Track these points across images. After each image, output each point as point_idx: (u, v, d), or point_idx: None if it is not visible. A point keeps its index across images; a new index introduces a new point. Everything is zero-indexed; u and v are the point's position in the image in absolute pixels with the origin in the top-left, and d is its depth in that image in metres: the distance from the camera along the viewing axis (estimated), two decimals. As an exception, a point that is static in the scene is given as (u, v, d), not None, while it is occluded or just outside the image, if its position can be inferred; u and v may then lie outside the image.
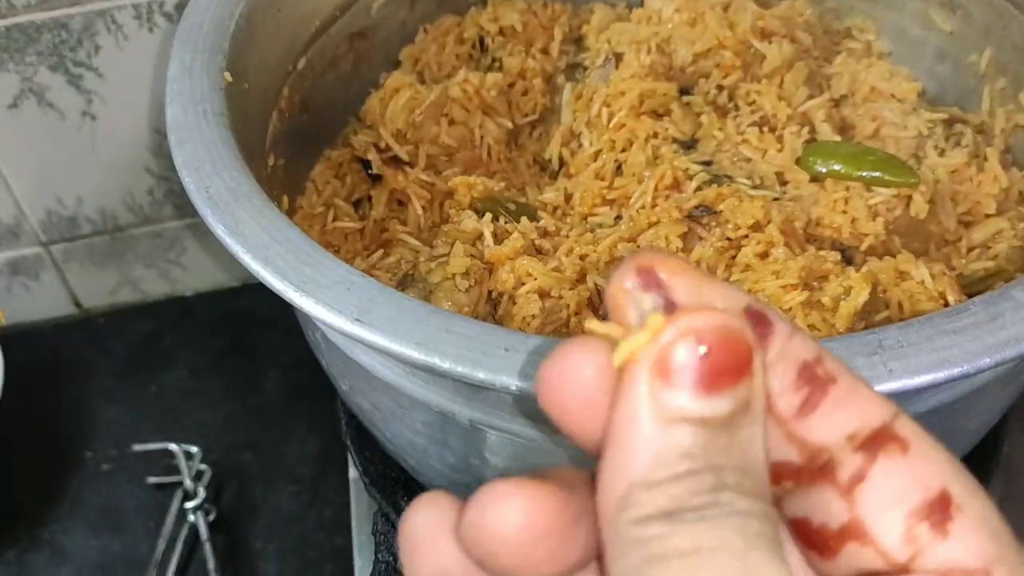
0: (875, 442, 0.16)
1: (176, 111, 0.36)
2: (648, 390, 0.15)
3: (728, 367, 0.15)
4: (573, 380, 0.16)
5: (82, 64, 0.62)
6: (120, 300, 0.75)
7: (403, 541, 0.18)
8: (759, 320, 0.16)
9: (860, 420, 0.17)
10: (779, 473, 0.17)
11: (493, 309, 0.40)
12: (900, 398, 0.31)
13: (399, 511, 0.45)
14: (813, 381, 0.16)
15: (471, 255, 0.40)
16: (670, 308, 0.16)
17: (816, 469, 0.17)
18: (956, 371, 0.26)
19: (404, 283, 0.40)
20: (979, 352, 0.26)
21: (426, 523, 0.18)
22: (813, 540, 0.17)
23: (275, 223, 0.32)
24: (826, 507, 0.17)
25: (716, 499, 0.15)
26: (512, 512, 0.16)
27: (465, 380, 0.28)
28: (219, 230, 0.32)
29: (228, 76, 0.38)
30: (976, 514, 0.16)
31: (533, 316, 0.39)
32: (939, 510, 0.16)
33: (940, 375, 0.26)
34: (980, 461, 0.44)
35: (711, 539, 0.14)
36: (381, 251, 0.42)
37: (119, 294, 0.74)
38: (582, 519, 0.16)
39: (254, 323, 0.73)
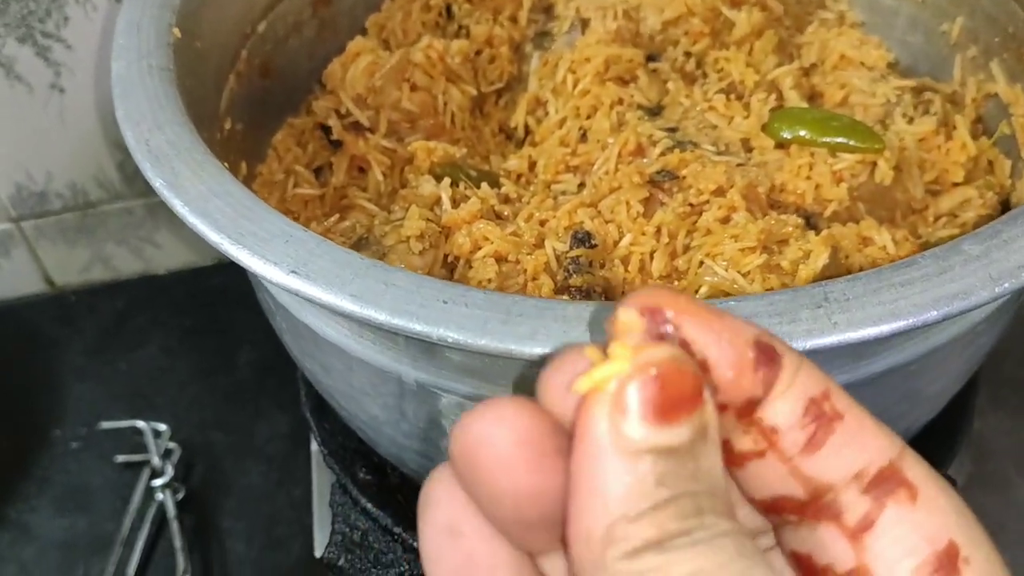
0: (882, 486, 0.16)
1: (121, 66, 0.36)
2: (610, 425, 0.15)
3: (682, 397, 0.15)
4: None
5: (51, 35, 0.61)
6: (92, 278, 0.74)
7: (421, 497, 0.18)
8: (767, 353, 0.16)
9: (867, 459, 0.16)
10: (782, 506, 0.17)
11: (449, 274, 0.39)
12: (851, 354, 0.30)
13: (356, 483, 0.45)
14: (820, 418, 0.16)
15: (428, 220, 0.39)
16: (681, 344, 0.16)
17: (822, 506, 0.17)
18: (902, 324, 0.25)
19: (358, 246, 0.39)
20: (926, 305, 0.25)
21: (443, 478, 0.18)
22: None
23: (215, 176, 0.32)
24: (832, 549, 0.17)
25: (702, 522, 0.15)
26: (501, 419, 0.16)
27: (402, 333, 0.28)
28: (158, 183, 0.32)
29: (177, 32, 0.37)
30: (982, 566, 0.16)
31: (489, 280, 0.38)
32: (947, 564, 0.16)
33: (885, 328, 0.25)
34: (946, 434, 0.43)
35: (709, 562, 0.14)
36: (337, 215, 0.42)
37: (91, 272, 0.74)
38: (566, 458, 0.16)
39: (226, 302, 0.72)
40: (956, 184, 0.42)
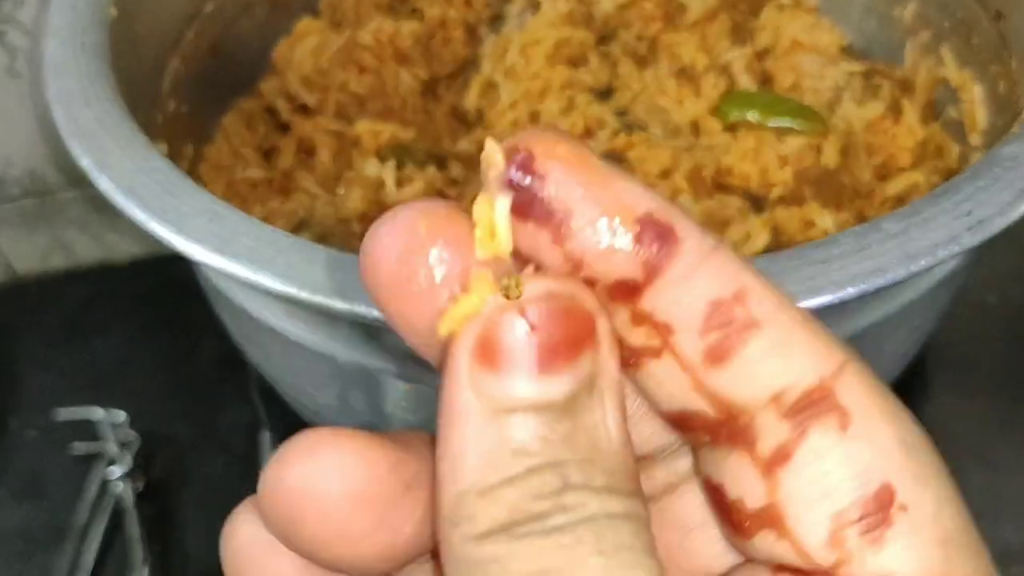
0: (807, 411, 0.13)
1: (54, 44, 0.35)
2: (470, 376, 0.12)
3: (563, 342, 0.12)
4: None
5: (7, 19, 0.60)
6: (53, 266, 0.73)
7: (227, 563, 0.15)
8: (658, 230, 0.13)
9: (790, 378, 0.13)
10: (692, 423, 0.14)
11: (392, 257, 0.39)
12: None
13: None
14: (726, 325, 0.13)
15: (372, 201, 0.39)
16: (522, 210, 0.13)
17: (736, 430, 0.13)
18: (820, 300, 0.25)
19: (299, 228, 0.39)
20: (844, 281, 0.25)
21: (254, 537, 0.15)
22: (728, 513, 0.14)
23: (141, 152, 0.31)
24: (743, 481, 0.13)
25: (562, 503, 0.12)
26: (325, 468, 0.13)
27: (325, 311, 0.27)
28: (85, 162, 0.31)
29: (114, 11, 0.37)
30: (924, 515, 0.13)
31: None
32: (876, 511, 0.13)
33: (803, 305, 0.25)
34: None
35: (557, 557, 0.12)
36: (281, 198, 0.41)
37: (52, 259, 0.73)
38: (417, 490, 0.14)
39: (190, 291, 0.71)
40: (903, 169, 0.42)
